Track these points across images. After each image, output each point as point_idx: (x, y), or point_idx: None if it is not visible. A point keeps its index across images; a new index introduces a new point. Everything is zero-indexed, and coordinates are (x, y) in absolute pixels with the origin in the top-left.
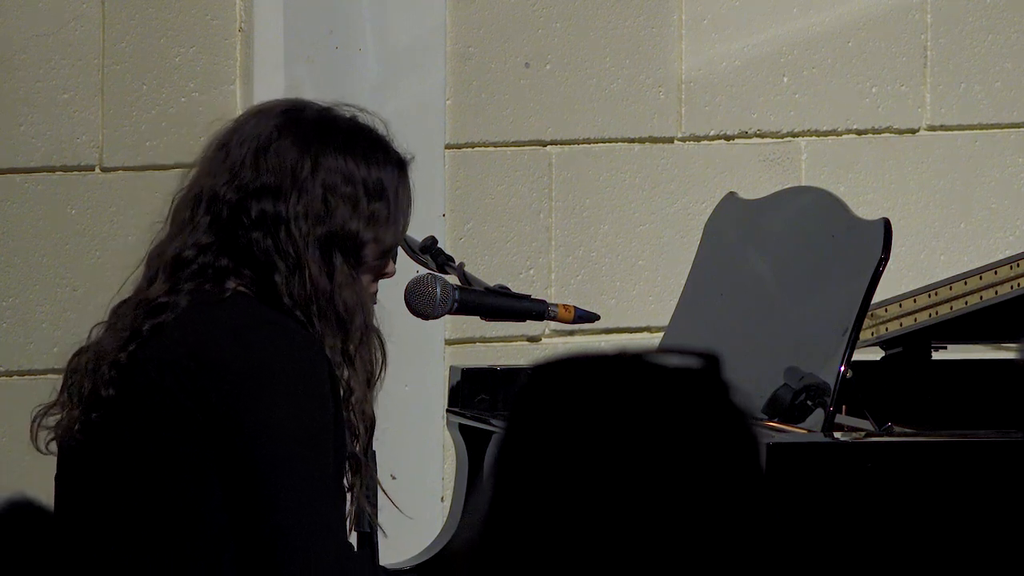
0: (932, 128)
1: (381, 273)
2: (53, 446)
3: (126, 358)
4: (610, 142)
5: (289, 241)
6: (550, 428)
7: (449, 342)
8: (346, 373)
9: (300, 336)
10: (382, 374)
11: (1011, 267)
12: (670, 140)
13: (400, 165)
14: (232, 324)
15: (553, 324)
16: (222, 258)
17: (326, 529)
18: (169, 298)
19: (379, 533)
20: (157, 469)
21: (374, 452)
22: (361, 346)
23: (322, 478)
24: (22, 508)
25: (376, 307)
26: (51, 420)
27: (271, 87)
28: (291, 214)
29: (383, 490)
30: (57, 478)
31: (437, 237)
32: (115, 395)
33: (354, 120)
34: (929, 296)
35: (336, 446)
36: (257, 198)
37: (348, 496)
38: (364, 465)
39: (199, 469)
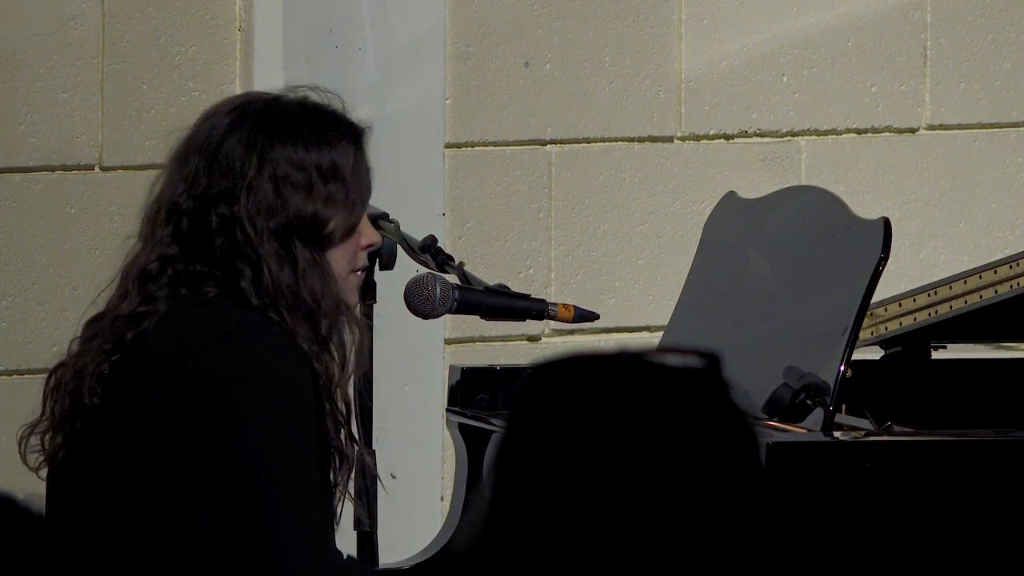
0: (932, 127)
1: (360, 245)
2: (44, 464)
3: (109, 369)
4: (610, 141)
5: (246, 242)
6: (550, 427)
7: (449, 341)
8: (325, 361)
9: (279, 339)
10: (352, 356)
11: (1011, 266)
12: (670, 140)
13: (353, 138)
14: (211, 331)
15: (553, 323)
16: (193, 264)
17: (316, 538)
18: (147, 307)
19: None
20: (141, 479)
21: (374, 451)
22: (333, 328)
23: (307, 484)
24: (19, 512)
25: (375, 306)
26: (44, 438)
27: (271, 86)
28: (243, 213)
29: (383, 487)
30: (48, 496)
31: (437, 236)
32: (99, 405)
33: (303, 103)
34: (929, 295)
35: (321, 446)
36: (214, 204)
37: (336, 493)
38: (350, 458)
39: (182, 480)
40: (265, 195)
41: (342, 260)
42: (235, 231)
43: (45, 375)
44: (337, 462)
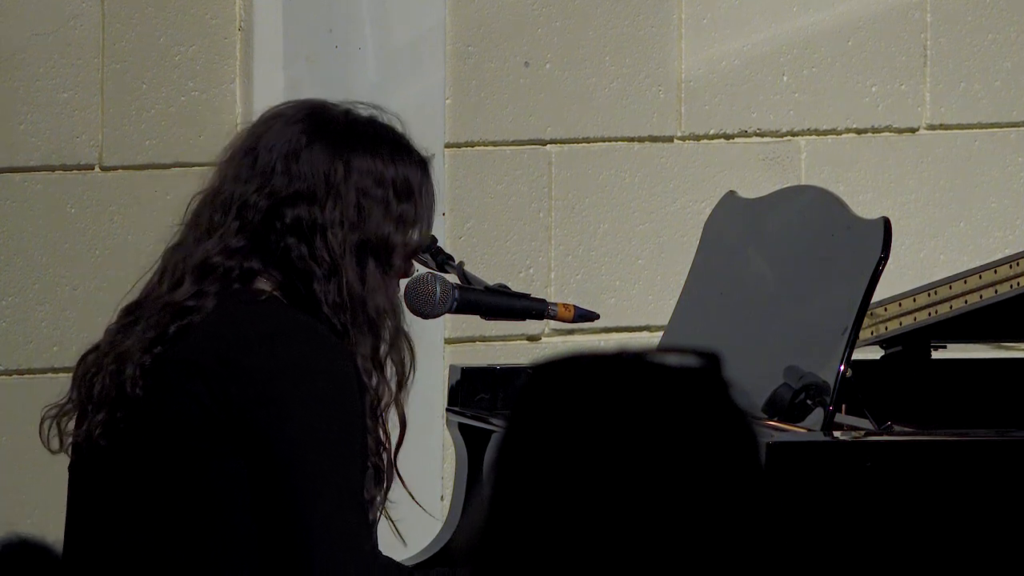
0: (932, 127)
1: (404, 273)
2: (67, 445)
3: (151, 360)
4: (610, 141)
5: (325, 248)
6: (550, 427)
7: (449, 341)
8: (375, 379)
9: (331, 343)
10: (411, 376)
11: (1011, 266)
12: (670, 139)
13: (422, 164)
14: (263, 329)
15: (553, 323)
16: (251, 260)
17: (353, 540)
18: (196, 301)
19: (389, 532)
20: (182, 474)
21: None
22: (392, 350)
23: (350, 486)
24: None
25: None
26: (64, 421)
27: (271, 86)
28: (327, 221)
29: (403, 483)
30: (73, 480)
31: (437, 236)
32: (141, 396)
33: (375, 120)
34: (928, 295)
35: (363, 453)
36: (291, 204)
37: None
38: (389, 476)
39: (225, 477)
40: (348, 205)
41: (392, 285)
42: (314, 236)
43: (44, 374)
44: (374, 478)
